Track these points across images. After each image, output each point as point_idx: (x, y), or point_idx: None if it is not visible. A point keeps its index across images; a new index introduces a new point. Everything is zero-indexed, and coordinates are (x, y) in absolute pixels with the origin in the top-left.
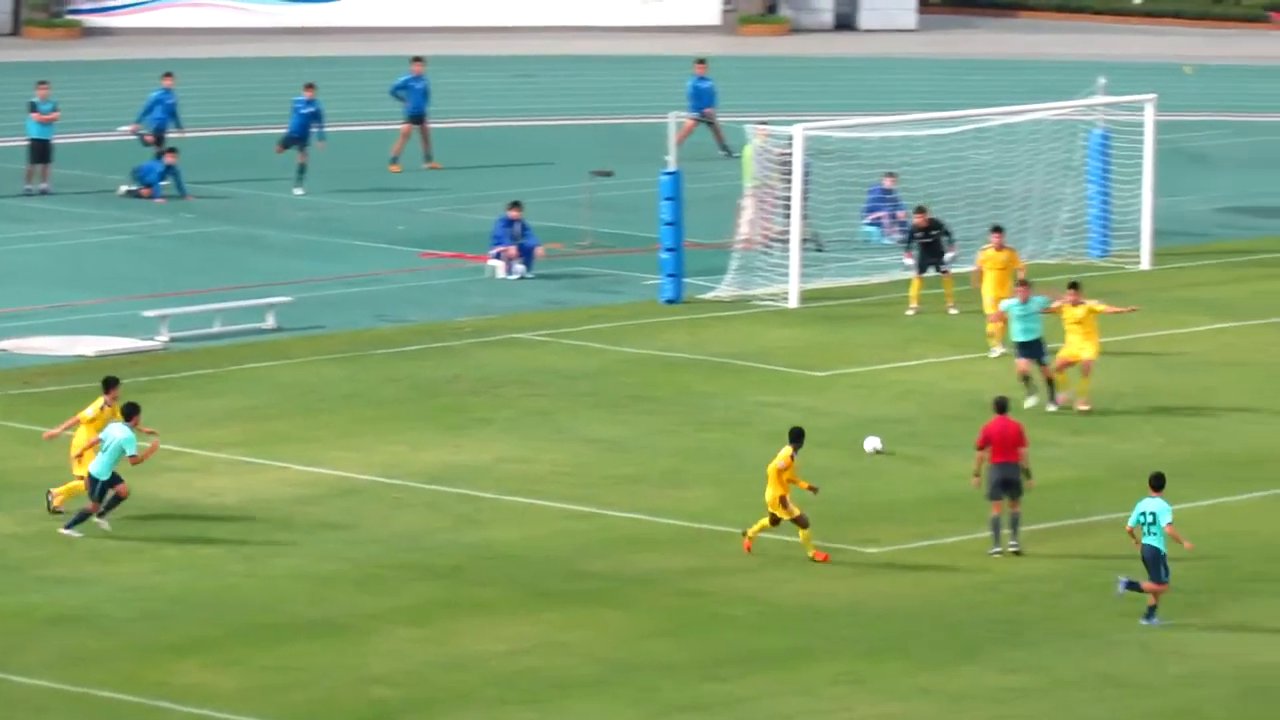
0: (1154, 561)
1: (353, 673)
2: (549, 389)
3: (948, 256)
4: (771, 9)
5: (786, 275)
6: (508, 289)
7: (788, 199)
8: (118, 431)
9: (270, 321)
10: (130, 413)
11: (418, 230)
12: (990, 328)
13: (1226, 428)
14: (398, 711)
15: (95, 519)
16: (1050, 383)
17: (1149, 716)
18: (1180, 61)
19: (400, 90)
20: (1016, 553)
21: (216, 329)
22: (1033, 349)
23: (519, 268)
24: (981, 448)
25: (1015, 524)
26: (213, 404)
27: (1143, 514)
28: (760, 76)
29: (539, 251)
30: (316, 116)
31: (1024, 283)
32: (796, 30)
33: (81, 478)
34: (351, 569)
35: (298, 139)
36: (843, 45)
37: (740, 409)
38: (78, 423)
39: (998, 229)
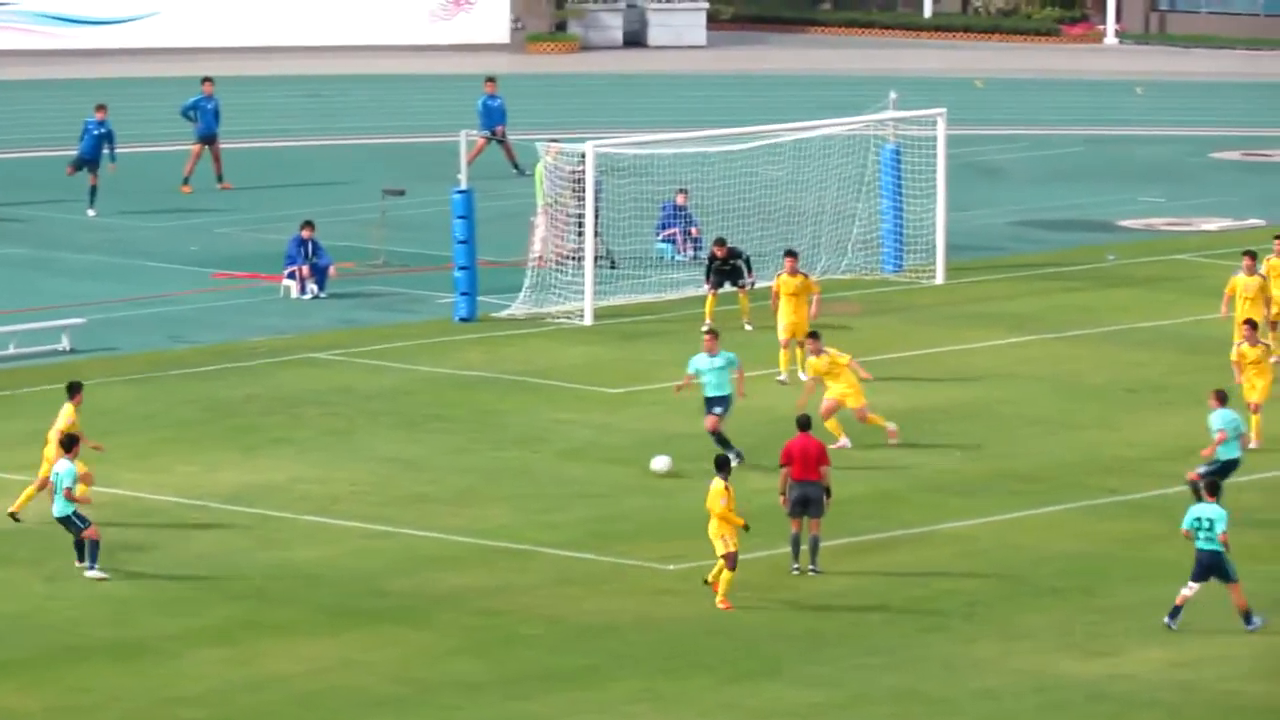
0: (1217, 566)
1: (157, 694)
2: (345, 408)
3: (744, 283)
4: (560, 26)
5: (581, 293)
6: (302, 309)
7: (580, 216)
8: (59, 467)
9: (65, 343)
10: (69, 444)
11: (211, 251)
12: (783, 353)
13: (1021, 442)
14: None
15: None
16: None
17: None
18: (971, 75)
19: (191, 110)
20: (815, 573)
21: (11, 351)
22: (720, 404)
23: (312, 287)
24: (784, 465)
25: (815, 547)
26: (8, 426)
27: (1197, 519)
28: (550, 94)
29: (332, 271)
30: (108, 138)
31: (711, 333)
32: (586, 48)
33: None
34: (152, 590)
35: (89, 160)
36: (633, 63)
37: (536, 427)
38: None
39: (791, 253)
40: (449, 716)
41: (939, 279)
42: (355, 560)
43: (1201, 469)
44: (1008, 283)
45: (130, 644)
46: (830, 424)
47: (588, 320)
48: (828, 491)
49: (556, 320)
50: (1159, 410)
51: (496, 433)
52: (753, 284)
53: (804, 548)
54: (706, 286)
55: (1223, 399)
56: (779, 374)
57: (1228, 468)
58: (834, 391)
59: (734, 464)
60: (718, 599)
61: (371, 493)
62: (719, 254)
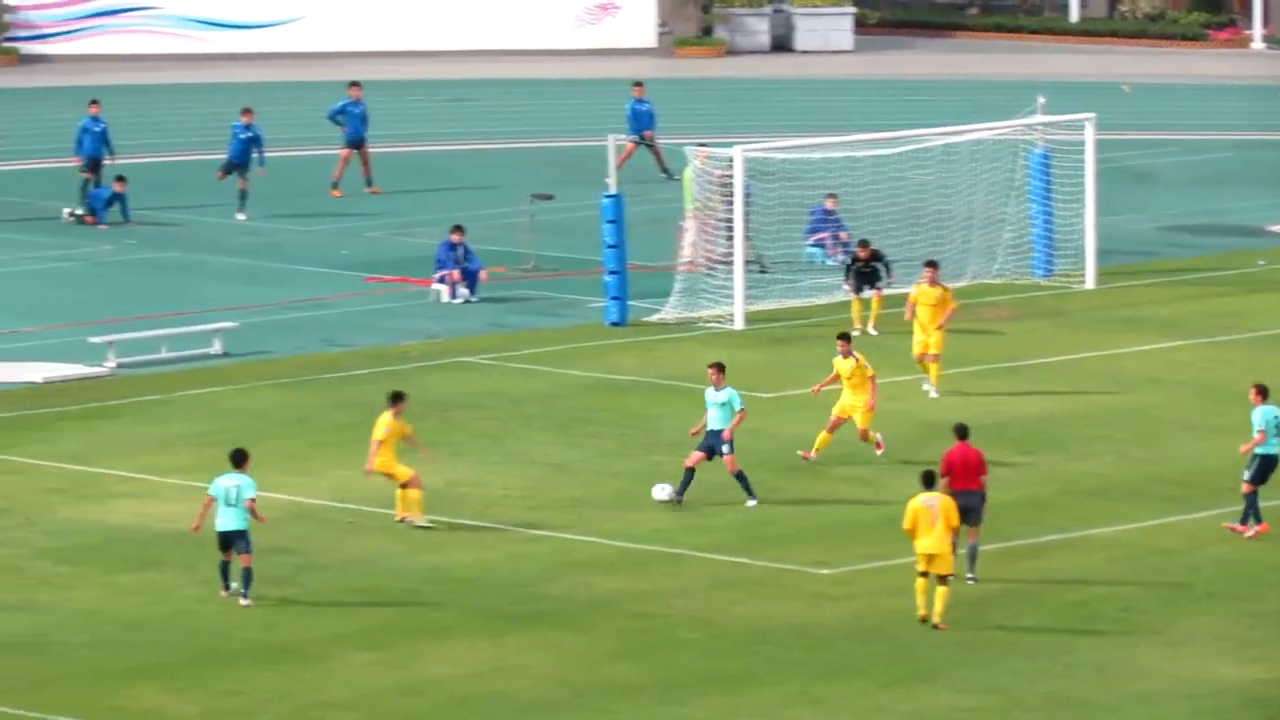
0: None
1: (309, 697)
2: (497, 412)
3: (881, 285)
4: (708, 31)
5: (731, 297)
6: (453, 313)
7: (729, 221)
8: (239, 480)
9: (217, 347)
10: (241, 459)
11: (361, 255)
12: (920, 366)
13: (1171, 446)
14: None
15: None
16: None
17: None
18: (1119, 80)
19: (338, 115)
20: (973, 581)
21: (164, 355)
22: (711, 438)
23: (463, 291)
24: (945, 475)
25: (973, 555)
26: (162, 430)
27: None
28: (697, 99)
29: (483, 275)
30: (256, 141)
31: (717, 366)
32: (733, 52)
33: (403, 484)
34: (305, 594)
35: (238, 164)
36: (780, 67)
37: (687, 431)
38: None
39: (932, 264)
40: None
41: (1089, 284)
42: (510, 564)
43: (1246, 474)
44: (1157, 288)
45: (282, 648)
46: (824, 437)
47: (738, 325)
48: (984, 499)
49: (707, 325)
50: None
51: (648, 437)
52: (890, 283)
53: (960, 553)
54: (846, 287)
55: (1264, 394)
56: (928, 389)
57: (1266, 465)
58: (846, 404)
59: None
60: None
61: (525, 496)
62: (861, 255)
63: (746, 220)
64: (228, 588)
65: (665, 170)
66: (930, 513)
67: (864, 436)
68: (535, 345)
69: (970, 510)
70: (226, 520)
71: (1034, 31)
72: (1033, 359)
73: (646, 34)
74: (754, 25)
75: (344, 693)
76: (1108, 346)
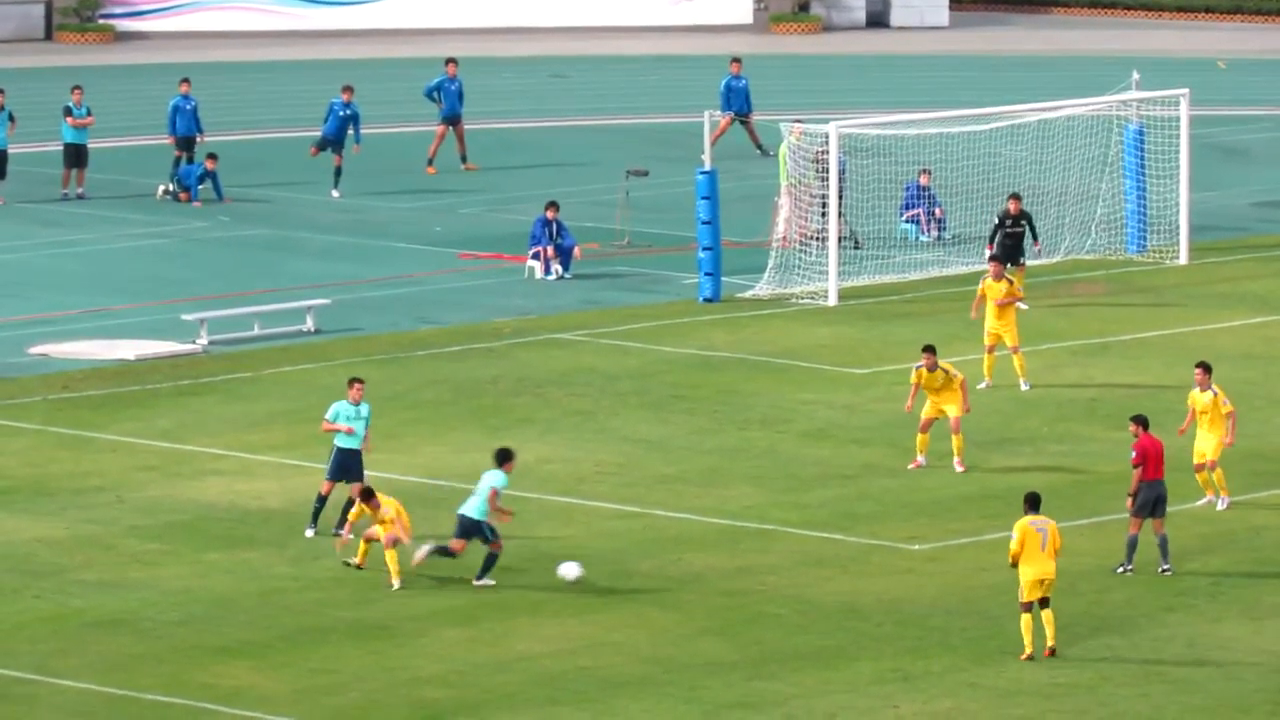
0: None
1: (400, 674)
2: (590, 389)
3: (1033, 251)
4: (804, 7)
5: (825, 273)
6: (546, 289)
7: (824, 197)
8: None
9: (309, 324)
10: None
11: (455, 231)
12: (989, 358)
13: (1265, 422)
14: (447, 713)
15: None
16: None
17: (1195, 711)
18: (1213, 56)
19: (434, 92)
20: (1171, 571)
21: (255, 332)
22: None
23: (556, 268)
24: (1138, 465)
25: (1166, 544)
26: (253, 407)
27: None
28: (793, 75)
29: (576, 252)
30: (354, 119)
31: (355, 381)
32: (828, 28)
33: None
34: (399, 571)
35: (334, 141)
36: (875, 43)
37: (780, 407)
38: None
39: (994, 258)
40: (695, 696)
41: (1182, 259)
42: (602, 540)
43: None
44: (1251, 263)
45: (373, 625)
46: (922, 439)
47: (832, 301)
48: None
49: (800, 301)
50: None
51: (741, 413)
52: (1039, 253)
53: (1135, 551)
54: (989, 253)
55: None
56: (983, 381)
57: None
58: (935, 407)
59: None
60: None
61: (617, 473)
62: (1013, 210)
63: (841, 196)
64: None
65: (760, 147)
66: (1040, 536)
67: (956, 429)
68: (628, 322)
69: (1161, 500)
70: (464, 506)
71: (1129, 7)
72: (1125, 335)
73: (743, 10)
74: (850, 1)
75: (434, 669)
76: (1201, 322)
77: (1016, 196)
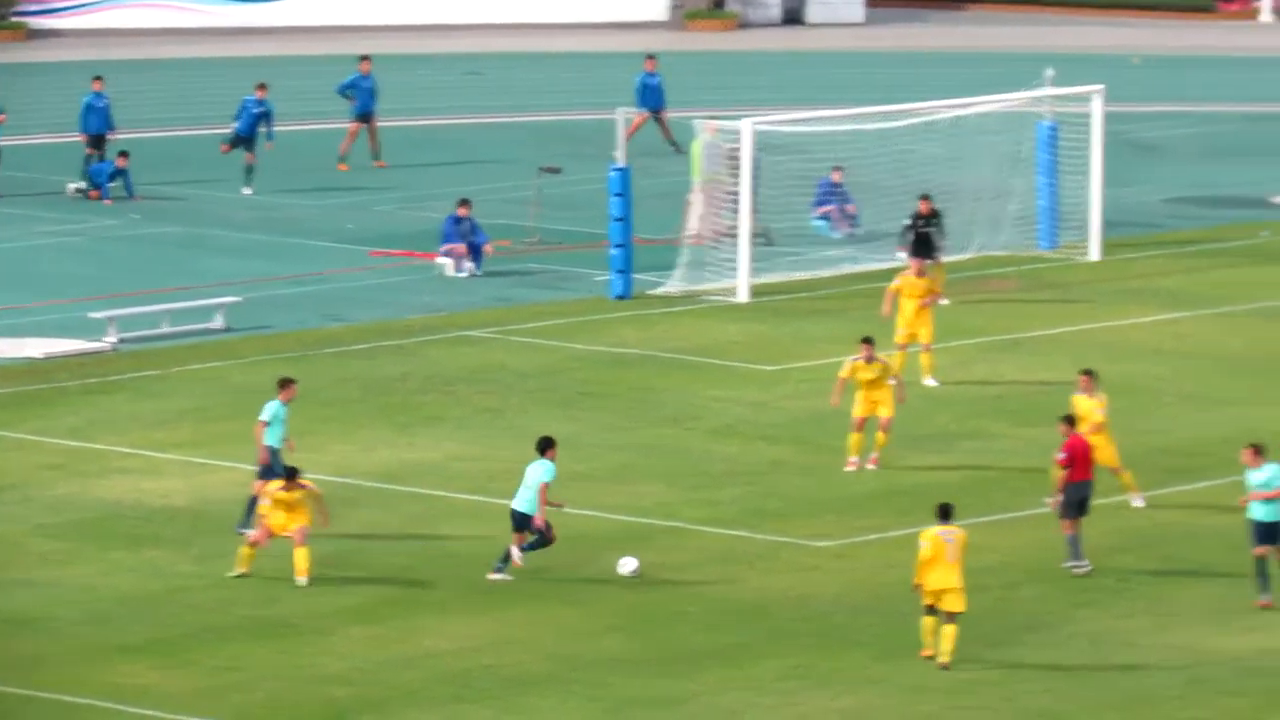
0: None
1: (305, 672)
2: (500, 386)
3: (940, 244)
4: (719, 4)
5: (736, 270)
6: (457, 287)
7: (736, 194)
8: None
9: (219, 322)
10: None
11: (367, 229)
12: (900, 355)
13: (1175, 418)
14: (351, 711)
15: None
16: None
17: (1102, 707)
18: (1128, 52)
19: (348, 89)
20: (1089, 573)
21: (164, 330)
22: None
23: (468, 265)
24: (1067, 466)
25: (1076, 543)
26: (161, 405)
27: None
28: (708, 72)
29: (488, 249)
30: (267, 116)
31: (285, 380)
32: (744, 25)
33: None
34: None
35: (246, 139)
36: (791, 40)
37: (690, 404)
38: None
39: (916, 254)
40: (601, 693)
41: (1094, 255)
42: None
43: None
44: (1162, 259)
45: (279, 623)
46: (855, 439)
47: (743, 298)
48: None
49: (711, 298)
50: None
51: (651, 410)
52: (943, 249)
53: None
54: (901, 254)
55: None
56: (927, 379)
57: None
58: (868, 403)
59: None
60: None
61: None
62: (924, 210)
63: (754, 193)
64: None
65: (673, 143)
66: (947, 546)
67: (888, 427)
68: (539, 319)
69: (1086, 500)
70: (517, 501)
71: (1044, 4)
72: (1036, 331)
73: (658, 7)
74: None
75: (340, 666)
76: (1111, 318)
77: (927, 197)
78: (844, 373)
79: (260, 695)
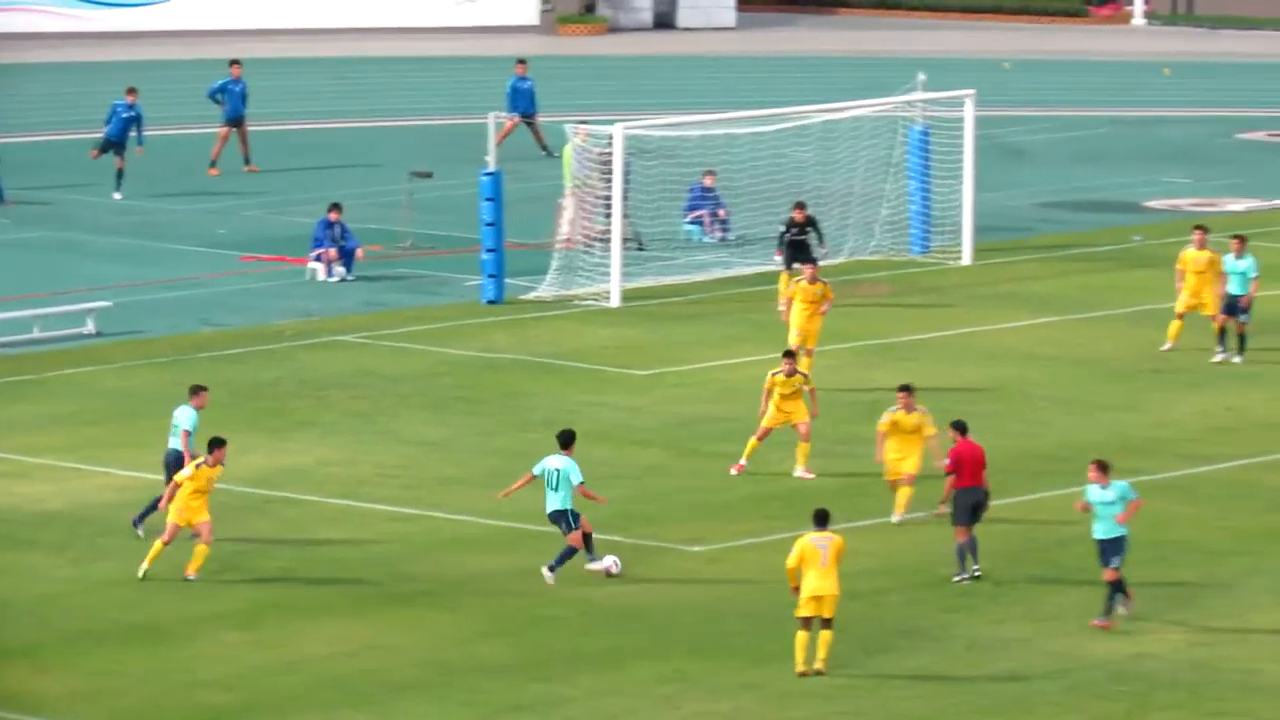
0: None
1: (180, 677)
2: (371, 391)
3: (819, 253)
4: (590, 9)
5: (608, 274)
6: (328, 291)
7: (608, 198)
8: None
9: (90, 327)
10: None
11: (238, 234)
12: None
13: (1047, 422)
14: (227, 715)
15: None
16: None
17: (978, 712)
18: (999, 57)
19: (218, 94)
20: (978, 577)
21: (36, 335)
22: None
23: (339, 270)
24: (952, 472)
25: (974, 548)
26: (34, 409)
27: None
28: (580, 76)
29: (359, 253)
30: (137, 121)
31: (197, 387)
32: (615, 29)
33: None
34: (177, 573)
35: (116, 143)
36: (662, 44)
37: (563, 409)
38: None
39: (813, 261)
40: (475, 698)
41: (966, 260)
42: (382, 543)
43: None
44: (1034, 263)
45: (154, 628)
46: (755, 445)
47: (615, 302)
48: (988, 495)
49: (584, 302)
50: (1184, 391)
51: (523, 415)
52: (825, 255)
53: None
54: (778, 258)
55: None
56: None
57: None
58: (780, 415)
59: None
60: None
61: (398, 475)
62: (798, 218)
63: (625, 198)
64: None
65: (545, 148)
66: (820, 553)
67: (807, 436)
68: (411, 324)
69: (980, 507)
70: (550, 503)
71: (915, 9)
72: (908, 336)
73: (529, 11)
74: (637, 2)
75: (215, 672)
76: (983, 323)
77: (801, 205)
78: (767, 385)
79: (135, 700)
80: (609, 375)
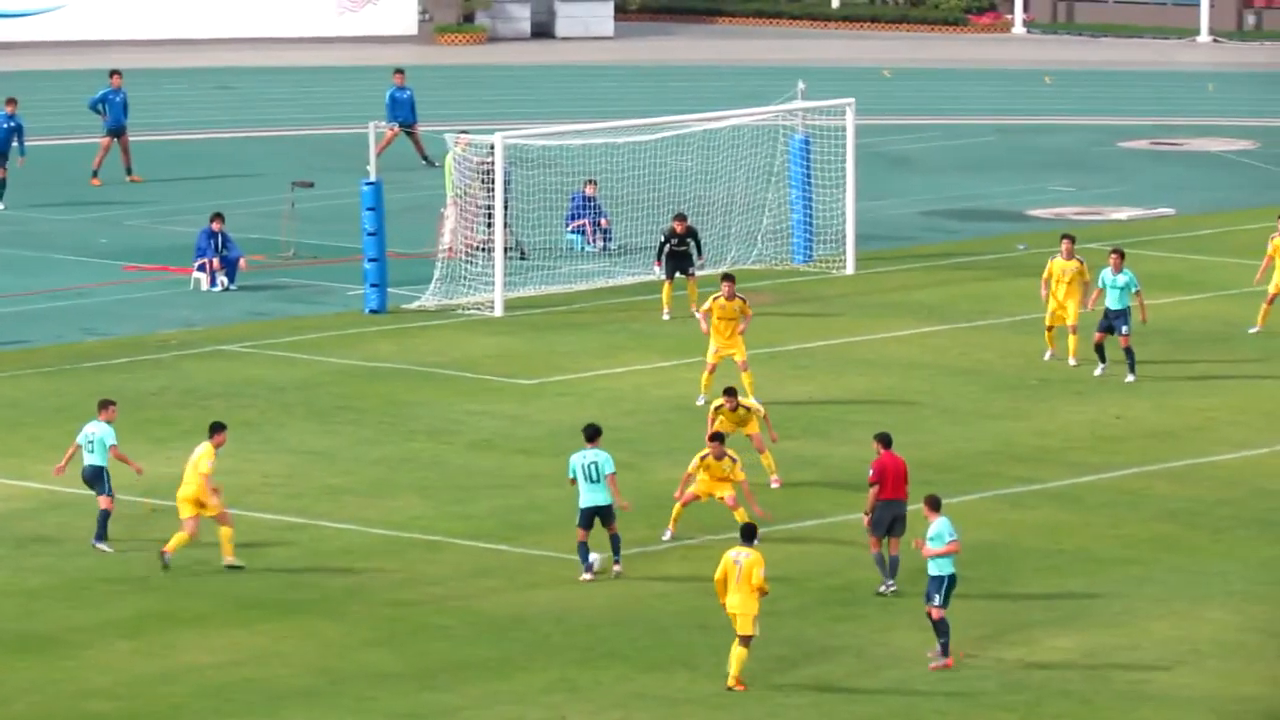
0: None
1: (67, 686)
2: (256, 400)
3: (694, 269)
4: (469, 18)
5: (491, 284)
6: (211, 301)
7: (489, 208)
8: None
9: None
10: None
11: (121, 244)
12: (707, 376)
13: (933, 431)
14: None
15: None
16: None
17: None
18: (879, 65)
19: (99, 104)
20: (895, 593)
21: None
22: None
23: (222, 280)
24: (875, 483)
25: (896, 566)
26: None
27: None
28: (459, 86)
29: (242, 263)
30: (18, 131)
31: (105, 401)
32: (494, 39)
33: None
34: (62, 583)
35: None
36: (541, 53)
37: (447, 418)
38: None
39: (729, 277)
40: (362, 707)
41: (849, 269)
42: (267, 552)
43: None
44: (918, 272)
45: (39, 637)
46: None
47: (498, 311)
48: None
49: (466, 311)
50: (1070, 399)
51: (407, 424)
52: (702, 265)
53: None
54: (657, 269)
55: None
56: (700, 397)
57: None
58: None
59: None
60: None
61: (283, 484)
62: (679, 229)
63: (506, 207)
64: (588, 567)
65: (425, 157)
66: (736, 569)
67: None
68: (294, 333)
69: (899, 520)
70: (592, 497)
71: (795, 17)
72: (792, 345)
73: (408, 21)
74: (515, 12)
75: (101, 680)
76: (867, 332)
77: (681, 217)
78: (711, 414)
79: (20, 709)
80: (493, 384)
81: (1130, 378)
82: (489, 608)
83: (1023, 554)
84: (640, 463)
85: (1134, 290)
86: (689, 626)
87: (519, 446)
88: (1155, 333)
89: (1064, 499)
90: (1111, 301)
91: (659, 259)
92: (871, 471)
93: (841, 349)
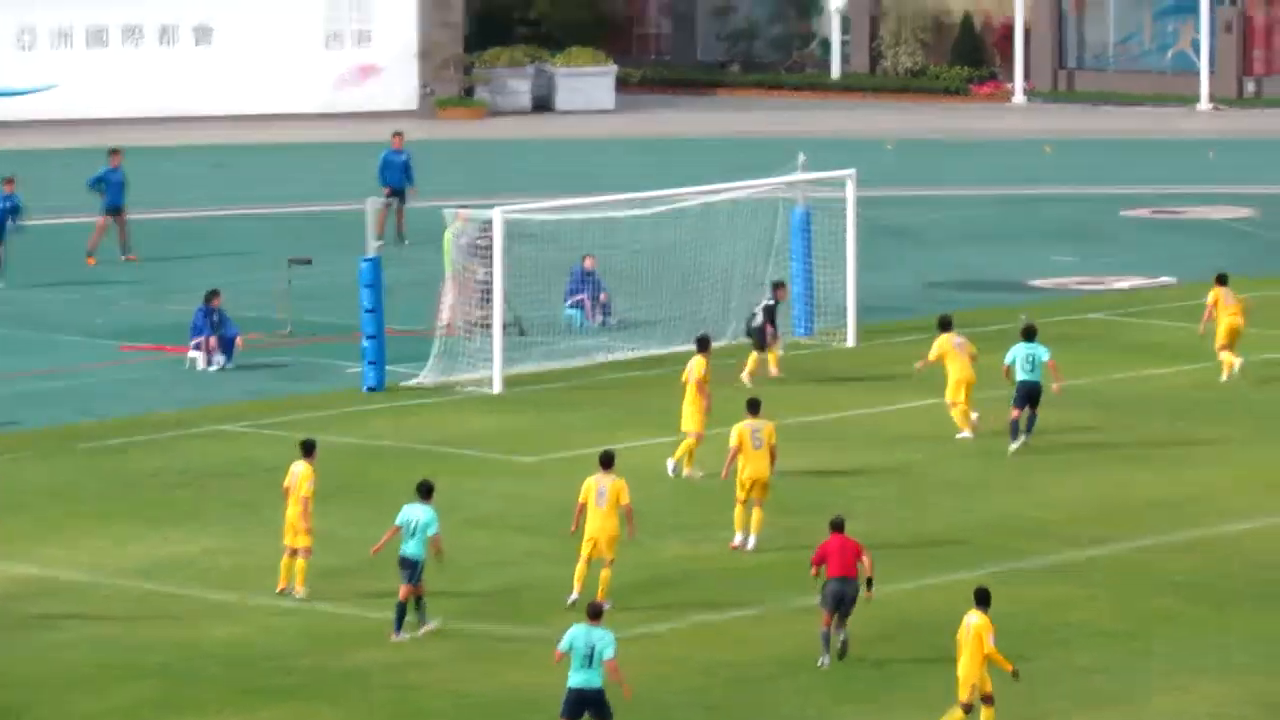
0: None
1: None
2: (254, 481)
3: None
4: (469, 92)
5: (490, 361)
6: (209, 380)
7: (488, 284)
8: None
9: None
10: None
11: (117, 323)
12: (691, 442)
13: (935, 504)
14: None
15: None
16: None
17: None
18: (881, 137)
19: (98, 183)
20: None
21: None
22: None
23: (219, 358)
24: (817, 566)
25: (845, 648)
26: None
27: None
28: (460, 160)
29: (239, 342)
30: (15, 210)
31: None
32: (495, 113)
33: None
34: (59, 668)
35: None
36: (541, 127)
37: (445, 496)
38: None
39: (703, 339)
40: None
41: (850, 342)
42: (265, 636)
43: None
44: (920, 344)
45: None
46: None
47: (497, 388)
48: (869, 583)
49: (465, 389)
50: (1072, 471)
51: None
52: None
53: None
54: (770, 331)
55: None
56: (684, 471)
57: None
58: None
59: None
60: None
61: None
62: (781, 297)
63: (505, 282)
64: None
65: (402, 234)
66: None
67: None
68: (292, 411)
69: (847, 599)
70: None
71: (795, 88)
72: (794, 418)
73: (408, 95)
74: (515, 85)
75: None
76: (869, 405)
77: (781, 284)
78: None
79: None
80: (493, 462)
81: (1026, 436)
82: (484, 691)
83: (1030, 628)
84: (645, 540)
85: (1044, 360)
86: (689, 705)
87: (517, 524)
88: (1158, 402)
89: (1067, 572)
90: (1021, 374)
91: (771, 322)
92: (815, 554)
93: (843, 422)
